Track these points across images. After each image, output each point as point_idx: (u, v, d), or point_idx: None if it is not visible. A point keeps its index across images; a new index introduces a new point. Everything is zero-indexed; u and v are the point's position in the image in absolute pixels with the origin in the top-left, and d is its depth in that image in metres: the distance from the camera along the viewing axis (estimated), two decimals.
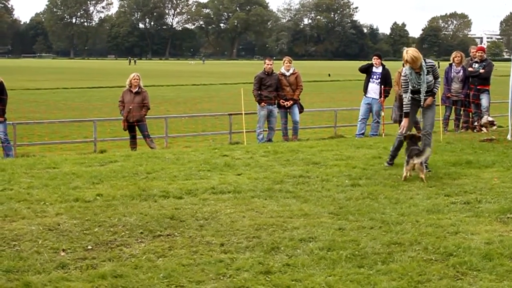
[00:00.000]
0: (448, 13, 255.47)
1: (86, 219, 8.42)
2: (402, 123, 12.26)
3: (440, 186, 10.53)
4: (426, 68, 11.91)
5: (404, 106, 12.20)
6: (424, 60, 11.94)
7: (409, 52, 11.78)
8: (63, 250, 7.11)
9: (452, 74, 19.70)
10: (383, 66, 19.79)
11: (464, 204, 9.34)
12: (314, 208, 9.08)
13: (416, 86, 11.95)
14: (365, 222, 8.27)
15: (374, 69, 19.57)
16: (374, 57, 19.98)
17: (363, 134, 19.30)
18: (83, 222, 8.28)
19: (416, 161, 11.03)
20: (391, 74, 19.82)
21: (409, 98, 12.07)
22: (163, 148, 18.37)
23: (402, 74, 12.23)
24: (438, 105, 15.80)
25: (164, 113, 27.96)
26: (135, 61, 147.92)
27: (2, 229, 7.92)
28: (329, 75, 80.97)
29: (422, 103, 12.09)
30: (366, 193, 9.99)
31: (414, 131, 13.14)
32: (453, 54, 20.10)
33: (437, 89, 12.37)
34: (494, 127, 18.96)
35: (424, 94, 12.01)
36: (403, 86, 12.19)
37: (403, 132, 12.14)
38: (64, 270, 6.51)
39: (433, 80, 12.09)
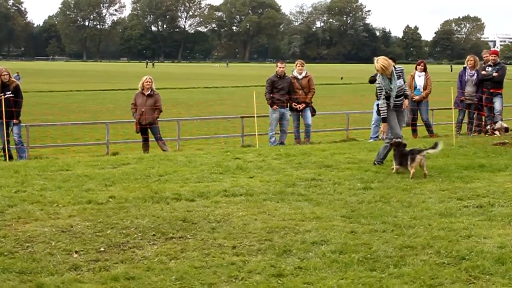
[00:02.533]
0: (461, 16, 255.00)
1: (99, 221, 8.45)
2: (381, 128, 13.02)
3: (452, 190, 10.50)
4: (396, 73, 12.64)
5: (381, 112, 12.76)
6: (394, 66, 12.68)
7: (379, 61, 12.49)
8: (76, 252, 7.14)
9: (466, 77, 19.65)
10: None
11: (477, 207, 9.31)
12: (326, 211, 9.08)
13: (389, 91, 12.60)
14: (377, 225, 8.26)
15: None
16: None
17: (377, 137, 19.26)
18: (96, 224, 8.31)
19: (424, 153, 11.76)
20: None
21: (385, 103, 12.67)
22: (175, 151, 18.40)
23: (377, 82, 12.85)
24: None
25: (176, 116, 27.98)
26: (153, 64, 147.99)
27: (15, 230, 7.96)
28: (342, 78, 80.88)
29: (391, 106, 12.73)
30: (378, 196, 9.98)
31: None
32: (468, 58, 20.05)
33: (407, 91, 13.26)
34: (508, 133, 18.89)
35: (395, 99, 12.75)
36: (378, 93, 12.94)
37: (384, 136, 12.95)
38: (76, 272, 6.54)
39: (403, 84, 12.93)
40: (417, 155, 11.73)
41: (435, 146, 12.08)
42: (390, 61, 12.69)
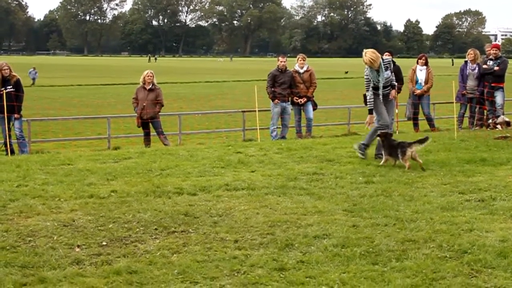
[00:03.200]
0: (462, 10, 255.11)
1: (101, 215, 8.45)
2: (367, 119, 13.09)
3: (454, 184, 10.49)
4: (384, 65, 12.92)
5: (368, 103, 13.06)
6: (382, 58, 12.93)
7: (367, 54, 12.73)
8: (78, 246, 7.14)
9: (467, 71, 19.63)
10: (394, 62, 19.72)
11: (479, 201, 9.30)
12: (328, 205, 9.07)
13: (376, 83, 12.90)
14: (379, 219, 8.26)
15: None
16: (386, 54, 19.94)
17: None
18: (98, 218, 8.32)
19: (415, 147, 11.94)
20: (402, 70, 19.80)
21: (372, 95, 12.96)
22: (177, 145, 18.43)
23: (364, 74, 13.10)
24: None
25: (178, 110, 28.03)
26: (155, 58, 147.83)
27: (17, 225, 7.97)
28: (346, 72, 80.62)
29: (381, 97, 13.05)
30: (380, 190, 9.97)
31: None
32: (468, 51, 20.04)
33: (394, 81, 13.57)
34: (510, 127, 18.88)
35: (383, 89, 13.05)
36: (366, 85, 13.07)
37: (368, 126, 13.13)
38: (79, 266, 6.54)
39: (391, 75, 13.22)
40: (408, 149, 11.90)
41: (423, 141, 12.15)
42: (378, 54, 12.86)
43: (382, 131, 12.64)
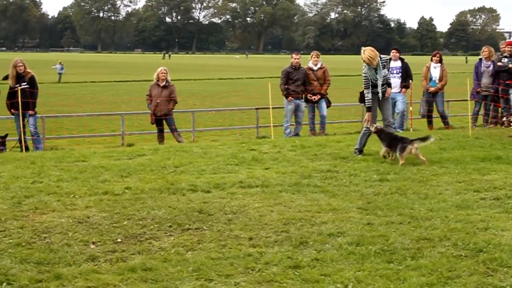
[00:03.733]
0: (476, 7, 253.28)
1: (115, 212, 8.47)
2: (366, 117, 13.29)
3: (469, 182, 10.45)
4: (382, 63, 12.99)
5: (366, 101, 13.18)
6: (380, 56, 12.97)
7: (366, 52, 12.81)
8: (93, 243, 7.16)
9: (482, 68, 19.54)
10: (402, 59, 19.72)
11: (494, 200, 9.27)
12: (342, 203, 9.06)
13: (374, 81, 12.97)
14: (393, 217, 8.24)
15: (392, 64, 19.48)
16: (393, 51, 19.93)
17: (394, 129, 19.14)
18: (112, 215, 8.34)
19: (416, 145, 12.11)
20: (411, 68, 19.80)
21: (369, 93, 13.07)
22: (191, 142, 18.43)
23: (363, 72, 13.11)
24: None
25: (191, 107, 28.01)
26: (169, 55, 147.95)
27: (33, 221, 8.00)
28: None
29: (380, 96, 13.14)
30: (395, 188, 9.95)
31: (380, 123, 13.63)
32: (483, 49, 19.95)
33: (390, 80, 13.66)
34: None
35: (381, 87, 13.11)
36: (364, 83, 13.14)
37: (369, 125, 13.10)
38: (94, 263, 6.56)
39: (387, 73, 13.33)
40: (408, 145, 12.08)
41: (425, 139, 12.30)
42: (376, 52, 12.95)
43: (377, 127, 12.78)
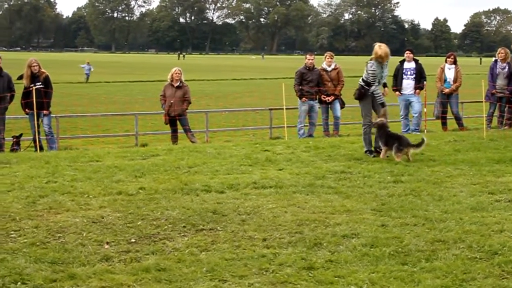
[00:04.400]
0: (490, 9, 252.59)
1: (129, 212, 8.48)
2: (382, 112, 13.17)
3: (484, 184, 10.41)
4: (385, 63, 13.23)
5: (377, 98, 13.27)
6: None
7: (383, 48, 13.01)
8: (107, 243, 7.17)
9: (497, 70, 19.45)
10: (416, 61, 19.68)
11: (509, 202, 9.21)
12: (356, 204, 9.04)
13: (379, 79, 13.25)
14: (408, 219, 8.21)
15: (406, 65, 19.47)
16: (407, 52, 19.89)
17: (407, 130, 19.12)
18: (126, 215, 8.35)
19: (412, 150, 12.43)
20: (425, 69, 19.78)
21: (378, 89, 13.28)
22: (204, 143, 18.44)
23: (370, 68, 13.17)
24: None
25: (205, 108, 28.07)
26: (184, 56, 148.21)
27: (47, 221, 8.02)
28: None
29: (379, 92, 13.29)
30: (409, 189, 9.91)
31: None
32: (499, 50, 19.86)
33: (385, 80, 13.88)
34: None
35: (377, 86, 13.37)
36: (372, 80, 13.19)
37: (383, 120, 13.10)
38: (108, 263, 6.57)
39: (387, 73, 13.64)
40: (404, 149, 12.39)
41: (419, 144, 12.52)
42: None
43: (379, 122, 12.91)
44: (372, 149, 13.31)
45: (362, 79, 13.40)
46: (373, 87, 13.17)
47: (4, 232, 7.57)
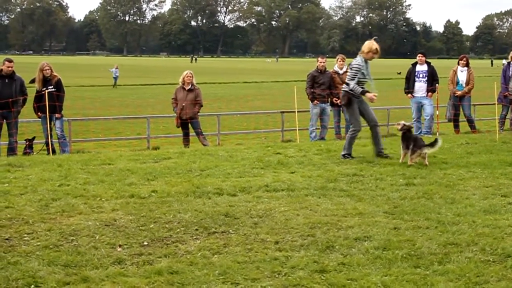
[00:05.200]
0: (503, 11, 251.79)
1: (142, 215, 8.49)
2: (370, 95, 13.23)
3: (496, 187, 10.37)
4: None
5: (355, 89, 13.17)
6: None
7: (376, 45, 13.19)
8: (120, 246, 7.18)
9: (510, 72, 19.40)
10: (428, 63, 19.67)
11: None
12: (368, 207, 9.02)
13: (363, 79, 13.25)
14: (420, 222, 8.19)
15: (418, 68, 19.46)
16: (419, 55, 19.89)
17: (420, 133, 19.08)
18: (139, 218, 8.36)
19: (425, 151, 12.21)
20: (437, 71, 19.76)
21: (356, 84, 13.18)
22: (216, 146, 18.47)
23: (357, 63, 13.16)
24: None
25: (217, 111, 28.12)
26: (196, 59, 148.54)
27: (60, 224, 8.04)
28: (399, 73, 78.96)
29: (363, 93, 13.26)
30: (421, 192, 9.89)
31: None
32: (511, 53, 19.79)
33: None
34: None
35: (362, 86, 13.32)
36: (353, 75, 13.18)
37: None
38: (121, 266, 6.57)
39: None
40: (418, 150, 12.27)
41: (433, 144, 12.37)
42: None
43: (406, 124, 12.83)
44: (350, 155, 13.32)
45: (346, 84, 13.38)
46: (352, 81, 13.15)
47: (18, 235, 7.59)
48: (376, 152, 13.35)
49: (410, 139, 12.54)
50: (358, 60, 13.13)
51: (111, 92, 46.63)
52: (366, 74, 13.27)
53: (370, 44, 13.13)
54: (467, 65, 20.03)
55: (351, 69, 13.28)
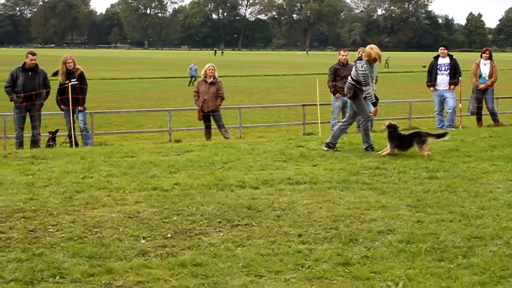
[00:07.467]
0: None
1: (165, 207, 8.52)
2: (374, 110, 14.05)
3: None
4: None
5: (368, 97, 13.56)
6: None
7: (375, 50, 13.26)
8: (143, 238, 7.22)
9: None
10: (451, 56, 19.55)
11: None
12: (391, 200, 9.00)
13: (371, 78, 13.45)
14: (444, 215, 8.16)
15: (440, 61, 19.36)
16: (441, 48, 19.77)
17: (442, 126, 18.99)
18: (162, 210, 8.39)
19: (431, 140, 12.57)
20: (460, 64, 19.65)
21: (371, 90, 13.48)
22: (237, 138, 18.47)
23: (362, 68, 13.24)
24: None
25: (238, 104, 28.11)
26: (220, 52, 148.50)
27: (84, 216, 8.09)
28: (424, 66, 78.57)
29: (372, 92, 13.57)
30: (444, 185, 9.84)
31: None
32: None
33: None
34: None
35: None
36: (363, 79, 13.29)
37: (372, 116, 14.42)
38: (144, 258, 6.61)
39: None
40: (428, 137, 12.52)
41: (439, 135, 12.76)
42: None
43: (391, 123, 13.03)
44: (335, 146, 13.48)
45: (352, 78, 13.43)
46: (366, 87, 13.31)
47: (42, 226, 7.66)
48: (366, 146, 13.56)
49: (405, 138, 12.78)
50: (363, 65, 13.21)
51: (130, 85, 46.72)
52: (371, 76, 13.50)
53: (369, 52, 13.21)
54: (490, 58, 19.88)
55: (357, 71, 13.37)
